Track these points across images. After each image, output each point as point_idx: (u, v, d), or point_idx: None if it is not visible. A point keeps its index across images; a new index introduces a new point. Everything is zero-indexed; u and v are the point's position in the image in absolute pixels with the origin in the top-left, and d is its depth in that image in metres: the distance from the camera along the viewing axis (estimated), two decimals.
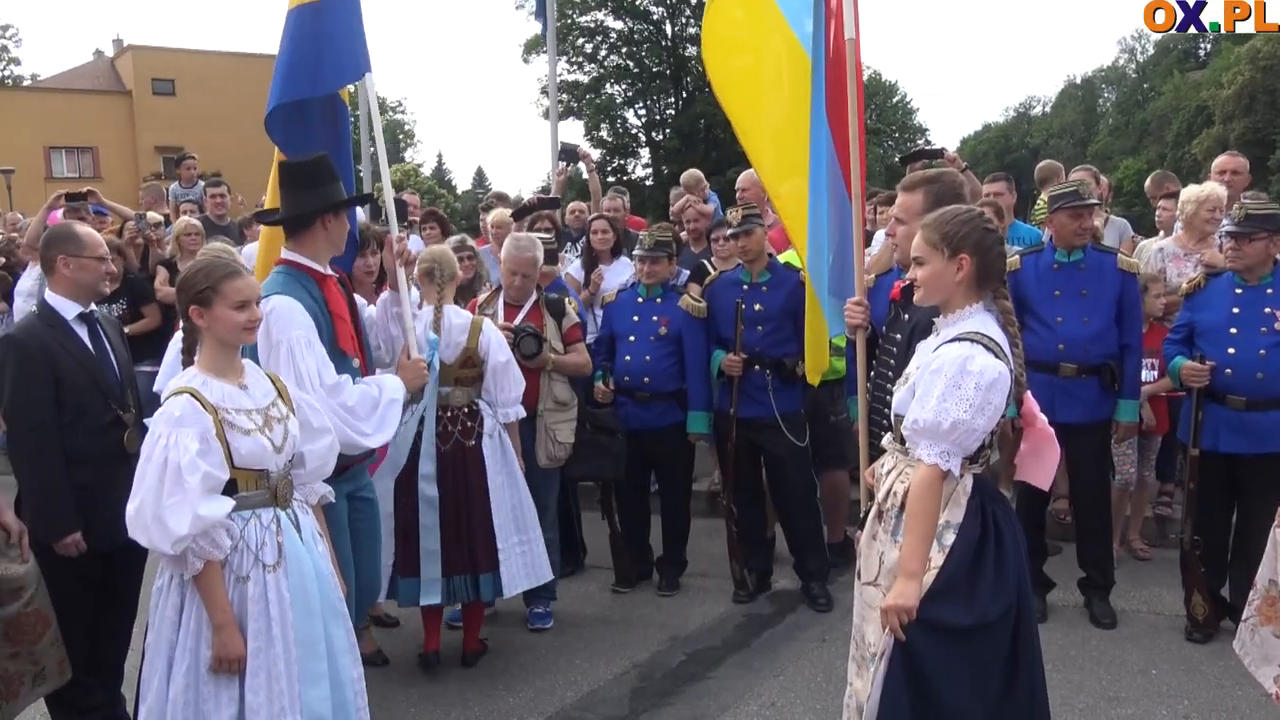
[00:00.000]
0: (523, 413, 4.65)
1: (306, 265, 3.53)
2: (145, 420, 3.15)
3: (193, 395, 2.79)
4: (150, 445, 2.75)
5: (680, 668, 4.60)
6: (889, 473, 2.89)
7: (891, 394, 3.04)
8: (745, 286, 5.19)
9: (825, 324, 4.47)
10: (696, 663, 4.64)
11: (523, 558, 4.51)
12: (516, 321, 4.99)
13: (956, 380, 2.62)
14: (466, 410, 4.47)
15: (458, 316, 4.49)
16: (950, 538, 2.69)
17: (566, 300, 5.25)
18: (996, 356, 2.66)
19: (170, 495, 2.69)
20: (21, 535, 3.36)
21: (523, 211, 6.88)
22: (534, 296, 5.08)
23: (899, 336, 3.33)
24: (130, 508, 2.74)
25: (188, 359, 2.97)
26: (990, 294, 2.82)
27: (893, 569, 2.75)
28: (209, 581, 2.78)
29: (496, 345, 4.49)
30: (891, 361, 3.34)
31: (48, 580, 3.49)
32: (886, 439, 2.99)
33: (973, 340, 2.68)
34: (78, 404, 3.56)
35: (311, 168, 3.58)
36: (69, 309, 3.65)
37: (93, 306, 3.76)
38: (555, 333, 5.05)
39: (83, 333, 3.67)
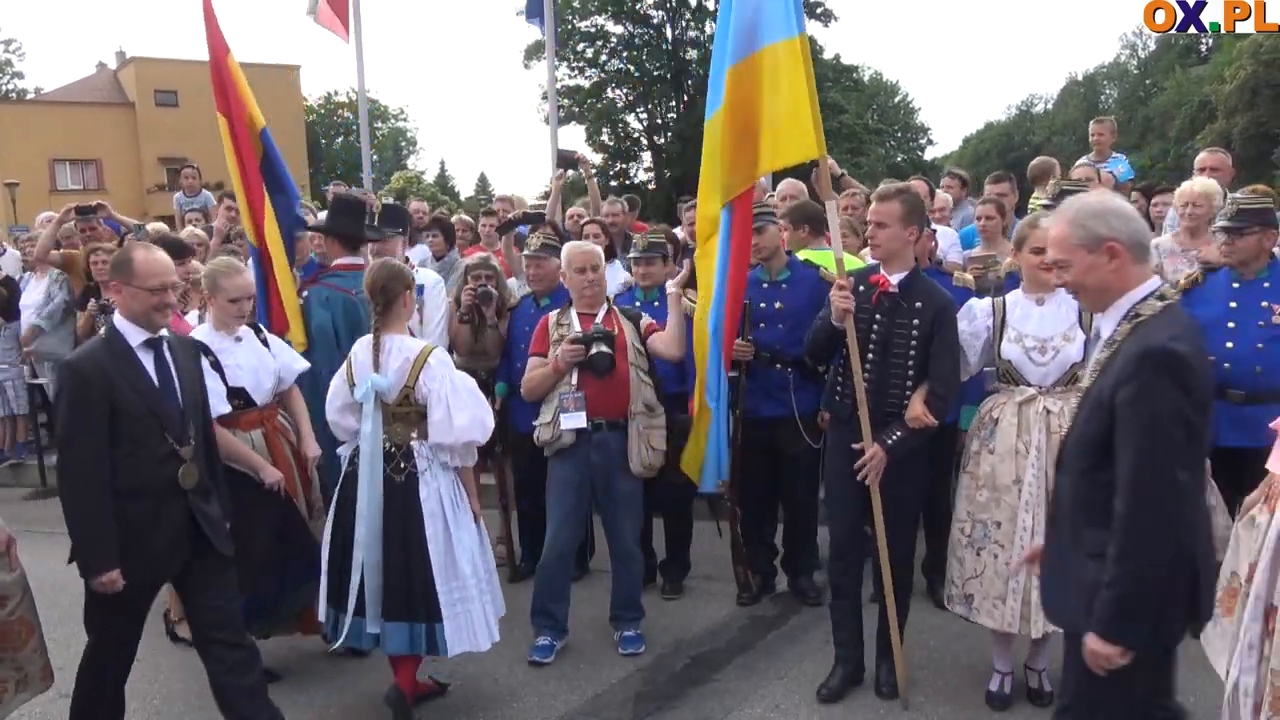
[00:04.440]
0: None
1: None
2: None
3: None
4: (449, 378, 3.96)
5: (684, 671, 4.62)
6: (1061, 410, 3.78)
7: (910, 369, 3.99)
8: (764, 285, 5.11)
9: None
10: (700, 665, 4.66)
11: None
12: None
13: None
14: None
15: None
16: None
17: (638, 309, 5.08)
18: None
19: (481, 405, 4.04)
20: (10, 544, 3.37)
21: (507, 226, 6.89)
22: (605, 308, 4.85)
23: (916, 322, 4.01)
24: (462, 420, 3.92)
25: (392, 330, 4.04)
26: None
27: None
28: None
29: None
30: (914, 344, 4.01)
31: (99, 612, 3.46)
32: (1034, 389, 3.90)
33: None
34: (134, 435, 3.41)
35: (361, 204, 5.53)
36: (134, 335, 3.50)
37: (164, 333, 3.60)
38: (635, 335, 4.80)
39: (148, 360, 3.51)
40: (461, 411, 3.93)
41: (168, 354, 3.59)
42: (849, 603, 4.30)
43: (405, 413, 3.99)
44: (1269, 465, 3.28)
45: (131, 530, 3.40)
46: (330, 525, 4.16)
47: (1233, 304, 4.50)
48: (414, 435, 3.99)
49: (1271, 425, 3.35)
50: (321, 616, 4.18)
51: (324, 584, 4.15)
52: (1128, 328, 2.54)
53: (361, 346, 4.11)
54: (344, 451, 4.20)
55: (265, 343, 4.48)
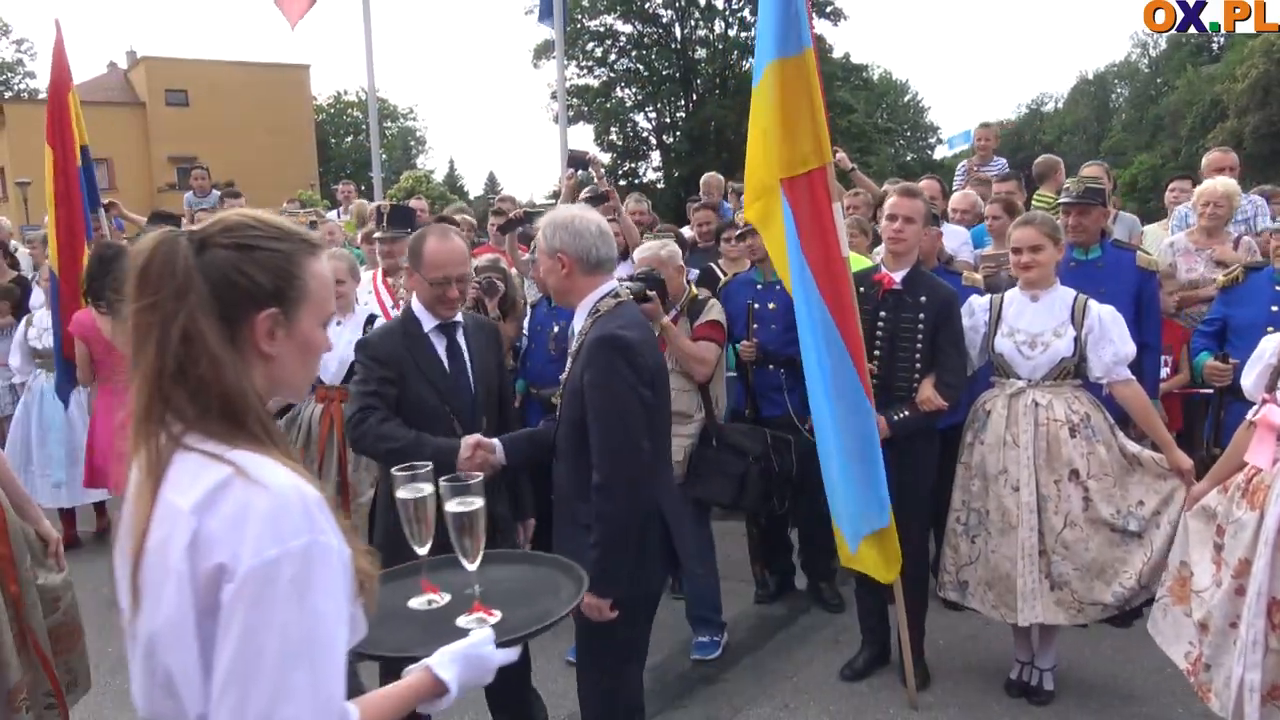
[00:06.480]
0: None
1: None
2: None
3: None
4: None
5: (693, 669, 4.61)
6: (1049, 403, 3.92)
7: (918, 360, 4.09)
8: (759, 286, 5.12)
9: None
10: (709, 665, 4.65)
11: None
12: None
13: (1121, 322, 3.96)
14: None
15: None
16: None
17: (712, 301, 4.90)
18: None
19: None
20: (58, 545, 3.35)
21: (509, 225, 6.88)
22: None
23: (922, 315, 4.11)
24: None
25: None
26: None
27: (1107, 462, 3.85)
28: None
29: None
30: (920, 337, 4.11)
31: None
32: (1024, 382, 4.00)
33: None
34: (416, 421, 3.19)
35: (176, 218, 6.42)
36: (427, 320, 3.30)
37: (459, 317, 3.39)
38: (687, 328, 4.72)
39: (440, 346, 3.32)
40: None
41: (461, 339, 3.39)
42: (872, 589, 4.34)
43: None
44: (1247, 458, 3.27)
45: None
46: None
47: (1274, 307, 4.44)
48: None
49: (1249, 416, 3.32)
50: None
51: None
52: (589, 322, 2.88)
53: None
54: None
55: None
